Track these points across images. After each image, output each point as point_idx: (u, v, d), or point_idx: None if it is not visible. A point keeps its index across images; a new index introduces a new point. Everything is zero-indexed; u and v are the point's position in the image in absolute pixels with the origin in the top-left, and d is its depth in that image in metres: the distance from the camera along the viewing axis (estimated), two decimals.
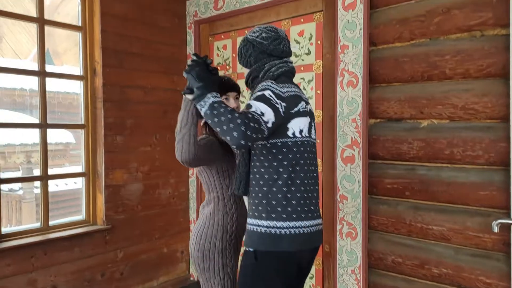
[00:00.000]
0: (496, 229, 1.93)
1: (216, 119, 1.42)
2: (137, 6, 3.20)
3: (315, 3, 2.72)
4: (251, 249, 1.60)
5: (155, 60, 3.34)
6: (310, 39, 2.76)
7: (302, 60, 2.80)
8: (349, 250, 2.57)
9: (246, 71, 1.75)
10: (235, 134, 1.38)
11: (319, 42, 2.71)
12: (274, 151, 1.58)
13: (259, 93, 1.53)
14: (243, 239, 1.74)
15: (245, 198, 1.78)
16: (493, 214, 2.07)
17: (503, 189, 2.03)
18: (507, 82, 1.98)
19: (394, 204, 2.42)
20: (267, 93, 1.52)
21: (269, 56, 1.68)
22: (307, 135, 1.64)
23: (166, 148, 3.42)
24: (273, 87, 1.54)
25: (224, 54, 3.33)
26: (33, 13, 2.79)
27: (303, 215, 1.59)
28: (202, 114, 1.49)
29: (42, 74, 2.78)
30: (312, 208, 1.63)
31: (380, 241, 2.49)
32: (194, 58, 1.57)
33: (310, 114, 1.69)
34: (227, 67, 3.32)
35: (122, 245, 3.12)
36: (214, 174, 1.92)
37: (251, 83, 1.72)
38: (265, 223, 1.57)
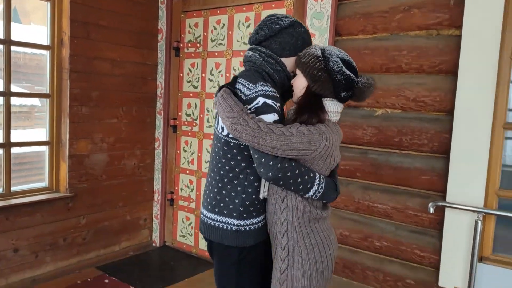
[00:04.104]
0: (431, 210, 2.04)
1: None
2: None
3: None
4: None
5: (125, 33, 3.13)
6: None
7: None
8: None
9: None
10: None
11: None
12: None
13: None
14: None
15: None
16: (432, 197, 2.17)
17: (442, 175, 2.13)
18: (455, 79, 2.04)
19: (346, 183, 2.47)
20: None
21: None
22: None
23: (132, 121, 3.26)
24: None
25: (196, 32, 3.18)
26: None
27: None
28: None
29: (7, 42, 2.54)
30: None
31: (331, 216, 2.54)
32: None
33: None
34: (198, 44, 3.17)
35: (84, 212, 2.99)
36: None
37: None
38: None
